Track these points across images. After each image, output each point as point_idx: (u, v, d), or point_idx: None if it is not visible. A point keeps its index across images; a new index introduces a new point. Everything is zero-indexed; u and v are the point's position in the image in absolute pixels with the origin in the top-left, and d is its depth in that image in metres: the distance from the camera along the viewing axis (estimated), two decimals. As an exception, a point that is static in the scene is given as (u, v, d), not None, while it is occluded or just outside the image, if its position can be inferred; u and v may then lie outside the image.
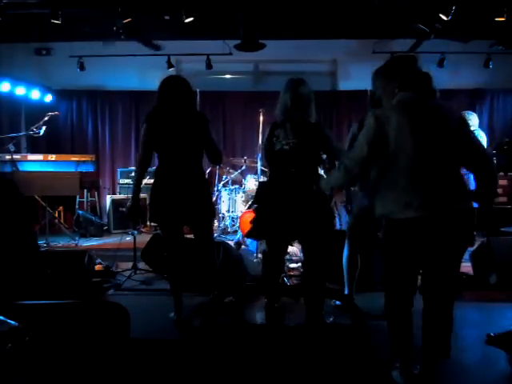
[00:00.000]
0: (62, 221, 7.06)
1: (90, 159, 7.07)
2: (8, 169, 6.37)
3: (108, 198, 7.46)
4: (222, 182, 7.00)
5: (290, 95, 3.14)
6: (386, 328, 2.47)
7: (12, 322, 1.48)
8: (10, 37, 6.40)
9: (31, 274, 2.23)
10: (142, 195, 5.96)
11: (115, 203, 7.21)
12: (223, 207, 6.86)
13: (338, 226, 5.62)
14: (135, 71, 7.70)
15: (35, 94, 7.45)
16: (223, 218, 6.85)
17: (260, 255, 4.95)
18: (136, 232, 4.91)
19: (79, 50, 7.08)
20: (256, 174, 6.28)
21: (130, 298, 4.10)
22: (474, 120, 5.55)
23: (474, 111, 6.30)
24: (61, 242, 6.32)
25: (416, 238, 2.32)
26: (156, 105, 3.28)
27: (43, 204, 6.20)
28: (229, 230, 6.78)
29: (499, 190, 6.64)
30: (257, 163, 5.90)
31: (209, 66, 7.24)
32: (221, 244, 4.34)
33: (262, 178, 5.77)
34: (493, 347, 2.69)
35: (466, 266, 4.48)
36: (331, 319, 3.38)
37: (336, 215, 4.93)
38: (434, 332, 2.41)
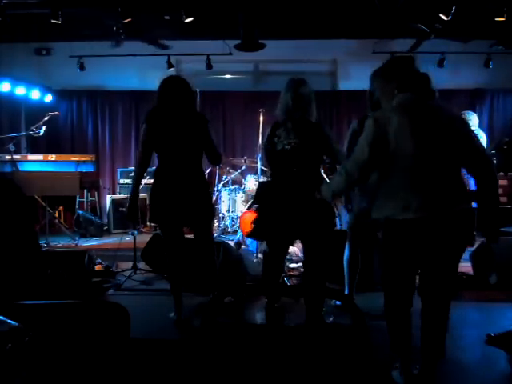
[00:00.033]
0: (62, 221, 7.06)
1: (90, 159, 7.07)
2: (8, 169, 6.38)
3: (108, 198, 7.46)
4: (222, 182, 7.00)
5: (291, 95, 3.14)
6: (385, 328, 2.47)
7: (12, 322, 1.48)
8: (10, 37, 6.40)
9: (33, 273, 2.23)
10: (142, 195, 5.98)
11: (115, 203, 7.21)
12: (223, 207, 6.86)
13: (338, 226, 5.62)
14: (135, 71, 7.70)
15: (35, 94, 7.45)
16: (223, 217, 6.85)
17: (260, 255, 4.95)
18: (136, 232, 4.91)
19: (79, 50, 7.08)
20: (256, 174, 6.28)
21: (130, 298, 4.10)
22: (473, 120, 5.55)
23: (474, 111, 6.29)
24: (61, 242, 6.33)
25: (414, 239, 2.33)
26: (155, 105, 3.28)
27: (43, 204, 6.20)
28: (229, 230, 6.78)
29: (499, 190, 6.62)
30: (257, 163, 5.89)
31: (209, 66, 7.24)
32: (221, 244, 4.34)
33: (262, 178, 5.77)
34: (493, 347, 2.69)
35: (466, 266, 4.48)
36: (331, 319, 3.38)
37: (336, 215, 4.92)
38: (430, 332, 2.41)
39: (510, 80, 7.54)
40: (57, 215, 6.97)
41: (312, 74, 6.08)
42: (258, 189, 4.32)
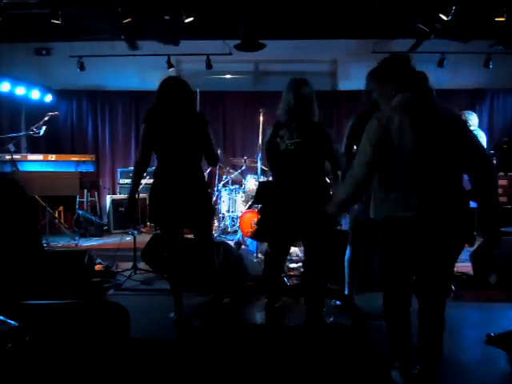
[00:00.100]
0: (62, 221, 7.06)
1: (90, 159, 7.07)
2: (8, 169, 6.38)
3: (108, 198, 7.46)
4: (222, 182, 7.00)
5: (293, 95, 3.13)
6: (385, 328, 2.47)
7: (12, 322, 1.48)
8: (10, 37, 6.40)
9: (36, 273, 2.23)
10: (142, 195, 5.99)
11: (115, 203, 7.21)
12: (223, 207, 6.86)
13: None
14: (135, 71, 7.70)
15: (35, 94, 7.45)
16: (223, 217, 6.85)
17: (260, 255, 4.95)
18: (136, 232, 4.91)
19: (79, 50, 7.07)
20: (256, 174, 6.28)
21: (130, 298, 4.10)
22: (473, 120, 5.55)
23: (474, 111, 6.29)
24: (61, 242, 6.33)
25: (413, 237, 2.33)
26: (154, 105, 3.29)
27: (43, 204, 6.20)
28: (229, 229, 6.78)
29: (499, 190, 6.63)
30: (257, 163, 5.89)
31: (209, 66, 7.24)
32: (221, 244, 4.34)
33: (262, 178, 5.77)
34: (493, 347, 2.69)
35: (466, 266, 4.48)
36: (331, 319, 3.38)
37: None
38: (426, 331, 2.41)
39: (510, 80, 7.54)
40: (57, 215, 6.97)
41: (312, 74, 6.08)
42: (258, 189, 4.32)
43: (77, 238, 6.45)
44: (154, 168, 3.44)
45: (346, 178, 2.53)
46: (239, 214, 6.27)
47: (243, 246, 5.68)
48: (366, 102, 3.35)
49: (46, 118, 6.25)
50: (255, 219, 5.44)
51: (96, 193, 7.81)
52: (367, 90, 3.19)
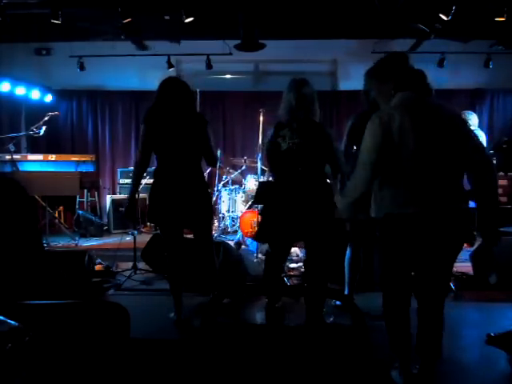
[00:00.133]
0: (62, 221, 7.06)
1: (90, 159, 7.07)
2: (8, 169, 6.38)
3: (108, 198, 7.47)
4: (222, 182, 7.00)
5: (294, 95, 3.13)
6: (385, 328, 2.47)
7: (12, 322, 1.48)
8: (10, 37, 6.39)
9: (36, 273, 2.23)
10: (142, 195, 5.98)
11: (115, 203, 7.22)
12: (223, 207, 6.86)
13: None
14: (135, 71, 7.70)
15: (35, 94, 7.46)
16: (223, 217, 6.85)
17: (260, 255, 4.95)
18: (136, 232, 4.91)
19: (79, 49, 7.08)
20: (256, 174, 6.28)
21: (130, 298, 4.10)
22: (473, 120, 5.56)
23: (474, 111, 6.30)
24: (61, 242, 6.33)
25: (412, 234, 2.32)
26: (153, 104, 3.29)
27: (43, 204, 6.20)
28: (229, 229, 6.78)
29: (499, 190, 6.63)
30: (257, 163, 5.90)
31: (209, 66, 7.24)
32: (221, 244, 4.34)
33: (262, 178, 5.77)
34: (493, 347, 2.69)
35: (466, 266, 4.49)
36: (331, 319, 3.38)
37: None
38: (426, 331, 2.41)
39: (510, 80, 7.53)
40: (57, 215, 6.97)
41: (312, 74, 6.07)
42: (258, 189, 4.32)
43: (77, 238, 6.45)
44: (153, 168, 3.45)
45: (351, 180, 2.49)
46: (239, 214, 6.28)
47: (243, 246, 5.68)
48: (364, 102, 3.36)
49: (46, 118, 6.25)
50: (255, 219, 5.45)
51: (96, 193, 7.81)
52: (366, 89, 3.19)
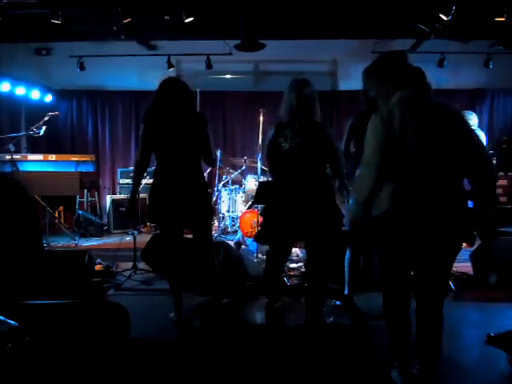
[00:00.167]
0: (62, 221, 7.06)
1: (90, 159, 7.07)
2: (8, 169, 6.38)
3: (108, 198, 7.47)
4: (222, 182, 7.00)
5: (295, 95, 3.12)
6: (385, 328, 2.47)
7: (12, 322, 1.48)
8: (10, 37, 6.40)
9: (36, 273, 2.23)
10: (142, 195, 5.99)
11: (115, 203, 7.22)
12: (223, 207, 6.86)
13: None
14: (135, 71, 7.70)
15: (35, 94, 7.45)
16: (223, 217, 6.85)
17: (260, 255, 4.95)
18: (136, 232, 4.91)
19: (79, 50, 7.08)
20: (256, 174, 6.28)
21: (130, 298, 4.10)
22: (473, 120, 5.55)
23: (474, 111, 6.29)
24: (61, 242, 6.33)
25: (411, 231, 2.32)
26: (152, 104, 3.29)
27: (43, 204, 6.20)
28: (229, 229, 6.78)
29: (499, 190, 6.64)
30: (257, 163, 5.89)
31: (209, 66, 7.24)
32: (221, 244, 4.34)
33: (262, 178, 5.77)
34: (493, 347, 2.69)
35: (466, 266, 4.49)
36: (331, 319, 3.38)
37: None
38: (425, 332, 2.41)
39: (510, 80, 7.53)
40: (57, 215, 6.97)
41: (312, 74, 6.07)
42: (258, 188, 4.32)
43: (77, 238, 6.45)
44: (153, 168, 3.45)
45: (358, 182, 2.47)
46: (239, 214, 6.28)
47: (243, 246, 5.69)
48: (363, 102, 3.36)
49: (46, 118, 6.25)
50: (255, 219, 5.45)
51: (96, 193, 7.81)
52: (365, 89, 3.19)
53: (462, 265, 4.50)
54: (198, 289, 3.84)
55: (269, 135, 3.25)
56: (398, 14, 5.39)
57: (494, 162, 6.09)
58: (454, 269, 4.34)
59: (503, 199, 6.82)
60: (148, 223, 6.91)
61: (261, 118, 5.57)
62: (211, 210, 3.52)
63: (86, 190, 7.27)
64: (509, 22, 5.35)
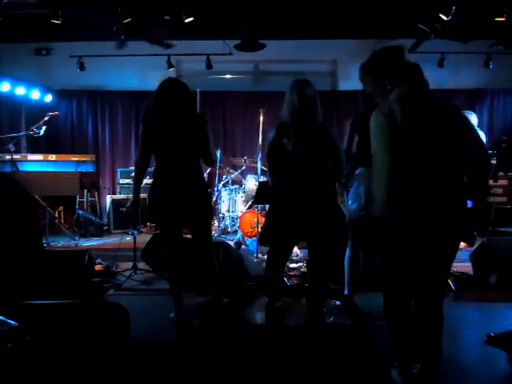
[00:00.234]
0: (62, 221, 7.06)
1: (90, 159, 7.07)
2: (8, 169, 6.38)
3: (108, 198, 7.47)
4: (222, 182, 7.00)
5: (298, 96, 3.12)
6: (385, 328, 2.47)
7: (12, 322, 1.48)
8: (10, 37, 6.40)
9: (36, 273, 2.24)
10: (142, 195, 5.98)
11: (115, 203, 7.22)
12: (223, 207, 6.86)
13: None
14: (135, 71, 7.70)
15: (35, 94, 7.45)
16: (223, 217, 6.85)
17: (260, 255, 4.95)
18: (136, 232, 4.91)
19: (79, 49, 7.08)
20: (256, 174, 6.28)
21: (130, 298, 4.10)
22: (473, 120, 5.55)
23: (474, 111, 6.29)
24: (61, 242, 6.33)
25: (410, 232, 2.32)
26: (151, 104, 3.29)
27: (43, 204, 6.20)
28: (229, 229, 6.78)
29: (499, 190, 6.64)
30: (257, 163, 5.89)
31: (209, 66, 7.24)
32: (221, 244, 4.34)
33: (262, 178, 5.77)
34: (493, 347, 2.69)
35: (466, 266, 4.49)
36: (331, 319, 3.38)
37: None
38: (425, 332, 2.41)
39: (510, 80, 7.53)
40: (57, 215, 6.97)
41: (312, 74, 6.07)
42: (258, 188, 4.32)
43: (77, 238, 6.45)
44: (153, 168, 3.45)
45: (374, 181, 2.42)
46: (239, 214, 6.28)
47: (243, 246, 5.69)
48: (362, 102, 3.37)
49: (46, 118, 6.25)
50: (255, 219, 5.45)
51: (96, 193, 7.81)
52: (362, 82, 3.19)
53: (462, 265, 4.50)
54: (198, 289, 3.85)
55: (269, 136, 3.24)
56: (398, 14, 5.39)
57: (494, 162, 6.10)
58: (454, 269, 4.34)
59: (503, 199, 6.82)
60: (148, 223, 6.91)
61: (261, 118, 5.56)
62: (211, 210, 3.52)
63: (86, 190, 7.27)
64: (509, 22, 5.35)
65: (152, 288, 4.37)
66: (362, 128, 3.05)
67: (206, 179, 3.63)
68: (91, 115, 8.33)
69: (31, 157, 6.79)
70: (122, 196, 7.29)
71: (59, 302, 1.90)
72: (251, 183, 6.60)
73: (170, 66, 7.16)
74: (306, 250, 3.55)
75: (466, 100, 7.88)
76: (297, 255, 4.98)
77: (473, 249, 4.44)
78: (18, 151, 6.71)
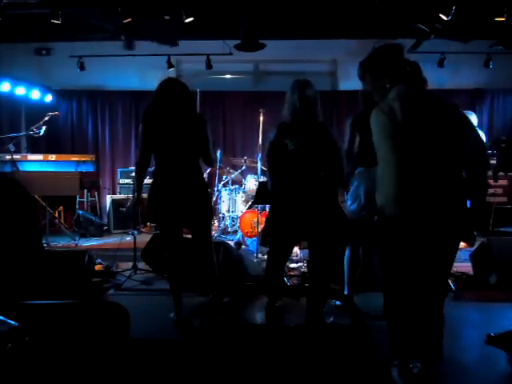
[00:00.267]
0: (62, 221, 7.06)
1: (90, 159, 7.07)
2: (8, 169, 6.38)
3: (108, 198, 7.47)
4: (222, 182, 7.00)
5: (298, 96, 3.12)
6: (385, 328, 2.47)
7: (12, 322, 1.48)
8: (10, 37, 6.40)
9: (36, 273, 2.24)
10: (142, 195, 5.99)
11: (115, 203, 7.22)
12: (223, 207, 6.86)
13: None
14: (135, 71, 7.70)
15: (35, 94, 7.45)
16: (223, 217, 6.85)
17: (260, 255, 4.95)
18: (136, 232, 4.91)
19: (79, 49, 7.08)
20: (256, 173, 6.28)
21: (130, 298, 4.10)
22: (473, 120, 5.54)
23: (474, 111, 6.30)
24: (61, 242, 6.33)
25: (411, 232, 2.31)
26: (150, 104, 3.29)
27: (43, 204, 6.20)
28: (229, 229, 6.78)
29: (499, 190, 6.64)
30: (257, 163, 5.89)
31: (209, 66, 7.24)
32: (221, 244, 4.34)
33: (262, 178, 5.76)
34: (493, 347, 2.69)
35: (466, 266, 4.49)
36: (331, 319, 3.38)
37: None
38: (426, 332, 2.40)
39: (510, 80, 7.53)
40: (57, 215, 6.97)
41: (312, 74, 6.08)
42: (258, 188, 4.32)
43: (77, 238, 6.45)
44: (153, 168, 3.45)
45: (384, 181, 2.40)
46: (239, 214, 6.27)
47: (243, 246, 5.69)
48: (361, 103, 3.37)
49: (46, 118, 6.25)
50: (255, 219, 5.45)
51: (96, 193, 7.81)
52: (363, 90, 3.20)
53: (462, 265, 4.50)
54: (198, 289, 3.84)
55: (270, 136, 3.24)
56: (398, 14, 5.38)
57: (494, 161, 6.10)
58: (454, 269, 4.34)
59: (503, 199, 6.82)
60: (148, 223, 6.91)
61: (261, 118, 5.56)
62: (211, 210, 3.52)
63: (86, 190, 7.27)
64: (509, 22, 5.35)
65: (152, 288, 4.37)
66: (362, 128, 3.05)
67: (206, 179, 3.63)
68: (91, 115, 8.33)
69: (31, 157, 6.79)
70: (122, 196, 7.28)
71: (59, 302, 1.90)
72: (251, 183, 6.60)
73: (170, 65, 7.16)
74: (306, 250, 3.56)
75: (466, 100, 7.88)
76: (297, 255, 4.97)
77: (473, 249, 4.44)
78: (17, 151, 6.71)
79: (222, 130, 8.22)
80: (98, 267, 4.64)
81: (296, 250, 4.95)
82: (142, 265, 4.75)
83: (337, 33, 6.77)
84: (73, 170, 6.74)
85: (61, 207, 7.18)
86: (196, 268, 3.67)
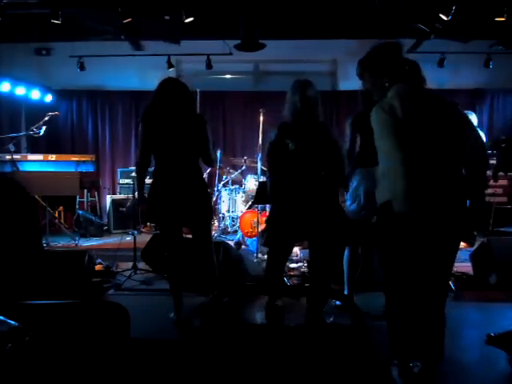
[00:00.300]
0: (62, 221, 7.06)
1: (90, 159, 7.07)
2: (8, 169, 6.38)
3: (108, 198, 7.47)
4: (222, 182, 7.00)
5: (299, 97, 3.12)
6: (385, 328, 2.47)
7: (12, 322, 1.48)
8: (10, 37, 6.40)
9: (36, 273, 2.24)
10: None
11: (115, 203, 7.22)
12: (223, 207, 6.86)
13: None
14: (135, 71, 7.70)
15: (35, 94, 7.46)
16: (223, 217, 6.85)
17: (260, 255, 4.95)
18: (136, 232, 4.91)
19: (79, 49, 7.08)
20: (256, 173, 6.28)
21: (130, 298, 4.10)
22: (472, 120, 5.54)
23: (474, 111, 6.30)
24: (61, 242, 6.33)
25: (411, 232, 2.31)
26: (150, 103, 3.29)
27: (43, 204, 6.20)
28: (229, 229, 6.79)
29: (499, 190, 6.64)
30: (257, 163, 5.89)
31: (209, 66, 7.24)
32: (221, 244, 4.34)
33: (262, 178, 5.76)
34: (493, 347, 2.69)
35: (466, 266, 4.49)
36: (331, 319, 3.38)
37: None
38: (427, 332, 2.40)
39: (510, 80, 7.54)
40: (57, 215, 6.97)
41: (312, 74, 6.07)
42: (258, 188, 4.32)
43: (77, 238, 6.45)
44: (153, 168, 3.45)
45: (391, 180, 2.37)
46: (239, 214, 6.28)
47: (243, 246, 5.69)
48: (361, 103, 3.37)
49: (46, 118, 6.25)
50: (255, 219, 5.45)
51: (96, 193, 7.81)
52: (362, 89, 3.19)
53: (462, 265, 4.50)
54: (198, 289, 3.84)
55: (271, 136, 3.24)
56: (398, 14, 5.39)
57: (494, 162, 6.10)
58: (454, 269, 4.33)
59: (503, 199, 6.83)
60: (148, 223, 6.91)
61: (261, 118, 5.56)
62: (211, 210, 3.52)
63: (86, 190, 7.28)
64: (509, 22, 5.35)
65: (152, 288, 4.37)
66: (363, 128, 3.05)
67: (205, 179, 3.63)
68: (91, 115, 8.33)
69: (31, 157, 6.80)
70: (122, 196, 7.28)
71: (59, 302, 1.90)
72: (251, 183, 6.60)
73: (170, 66, 7.17)
74: (306, 250, 3.55)
75: (466, 100, 7.88)
76: (297, 255, 4.97)
77: (473, 249, 4.44)
78: (17, 151, 6.71)
79: (222, 129, 8.22)
80: (98, 267, 4.64)
81: (296, 250, 4.95)
82: (142, 265, 4.75)
83: (337, 33, 6.77)
84: (73, 170, 6.74)
85: (61, 207, 7.19)
86: (196, 268, 3.67)
